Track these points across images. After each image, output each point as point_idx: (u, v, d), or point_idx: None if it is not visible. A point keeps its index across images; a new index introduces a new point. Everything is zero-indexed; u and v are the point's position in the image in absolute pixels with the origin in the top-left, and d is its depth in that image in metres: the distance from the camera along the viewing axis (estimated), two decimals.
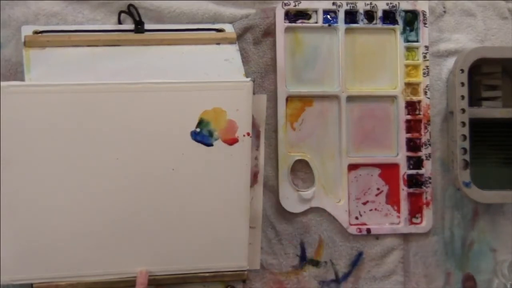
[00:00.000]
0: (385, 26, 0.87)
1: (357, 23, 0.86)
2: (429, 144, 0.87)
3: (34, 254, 0.73)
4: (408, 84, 0.87)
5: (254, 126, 0.79)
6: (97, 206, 0.73)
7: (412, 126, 0.87)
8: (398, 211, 0.87)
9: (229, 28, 0.83)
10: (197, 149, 0.74)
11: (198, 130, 0.74)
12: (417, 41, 0.88)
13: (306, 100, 0.86)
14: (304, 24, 0.86)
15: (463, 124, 0.84)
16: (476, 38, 0.91)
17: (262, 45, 0.85)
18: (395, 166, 0.87)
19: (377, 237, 0.87)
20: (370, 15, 0.87)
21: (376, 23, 0.87)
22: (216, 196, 0.76)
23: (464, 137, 0.84)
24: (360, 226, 0.86)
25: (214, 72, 0.77)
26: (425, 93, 0.87)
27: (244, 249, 0.78)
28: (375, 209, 0.87)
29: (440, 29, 0.90)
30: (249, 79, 0.75)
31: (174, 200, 0.75)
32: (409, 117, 0.87)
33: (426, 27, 0.88)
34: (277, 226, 0.85)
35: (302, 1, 0.85)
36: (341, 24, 0.86)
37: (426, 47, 0.88)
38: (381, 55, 0.87)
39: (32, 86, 0.71)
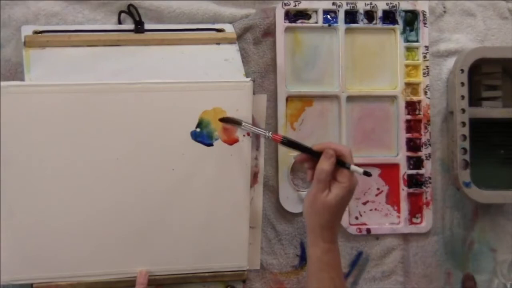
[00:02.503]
0: (385, 26, 0.87)
1: (357, 23, 0.86)
2: (429, 144, 0.87)
3: (34, 254, 0.73)
4: (408, 84, 0.87)
5: (254, 126, 0.79)
6: (97, 206, 0.73)
7: (412, 126, 0.87)
8: (398, 211, 0.87)
9: (229, 28, 0.83)
10: (197, 149, 0.74)
11: (198, 130, 0.74)
12: (417, 41, 0.88)
13: (306, 100, 0.86)
14: (304, 24, 0.86)
15: (463, 124, 0.84)
16: (476, 38, 0.91)
17: (262, 45, 0.85)
18: (395, 166, 0.87)
19: (377, 237, 0.87)
20: (370, 15, 0.87)
21: (376, 23, 0.87)
22: (216, 196, 0.76)
23: (464, 137, 0.84)
24: (360, 226, 0.86)
25: (214, 72, 0.77)
26: (425, 93, 0.87)
27: (244, 249, 0.78)
28: (375, 209, 0.87)
29: (440, 29, 0.90)
30: (249, 79, 0.76)
31: (174, 200, 0.75)
32: (409, 117, 0.87)
33: (426, 27, 0.88)
34: (277, 226, 0.85)
35: (302, 1, 0.85)
36: (341, 24, 0.86)
37: (426, 47, 0.88)
38: (381, 55, 0.87)
39: (32, 86, 0.71)
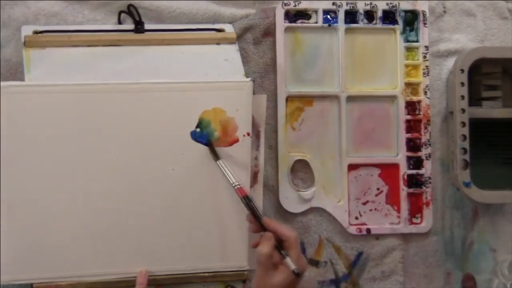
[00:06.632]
0: (385, 26, 0.87)
1: (357, 23, 0.86)
2: (429, 144, 0.87)
3: (34, 254, 0.73)
4: (408, 84, 0.87)
5: (254, 126, 0.79)
6: (97, 206, 0.73)
7: (412, 126, 0.87)
8: (398, 211, 0.87)
9: (229, 28, 0.83)
10: (197, 149, 0.74)
11: (198, 130, 0.74)
12: (417, 41, 0.88)
13: (306, 100, 0.86)
14: (304, 24, 0.86)
15: (463, 124, 0.84)
16: (476, 38, 0.91)
17: (262, 45, 0.85)
18: (395, 166, 0.87)
19: (377, 237, 0.87)
20: (370, 15, 0.87)
21: (376, 23, 0.87)
22: (216, 196, 0.76)
23: (464, 137, 0.84)
24: (360, 226, 0.86)
25: (214, 72, 0.77)
26: (425, 93, 0.87)
27: (244, 249, 0.78)
28: (375, 209, 0.87)
29: (440, 29, 0.90)
30: (249, 79, 0.76)
31: (174, 200, 0.75)
32: (409, 117, 0.87)
33: (426, 27, 0.88)
34: None
35: (302, 1, 0.85)
36: (341, 24, 0.86)
37: (426, 47, 0.88)
38: (381, 55, 0.87)
39: (32, 86, 0.71)
